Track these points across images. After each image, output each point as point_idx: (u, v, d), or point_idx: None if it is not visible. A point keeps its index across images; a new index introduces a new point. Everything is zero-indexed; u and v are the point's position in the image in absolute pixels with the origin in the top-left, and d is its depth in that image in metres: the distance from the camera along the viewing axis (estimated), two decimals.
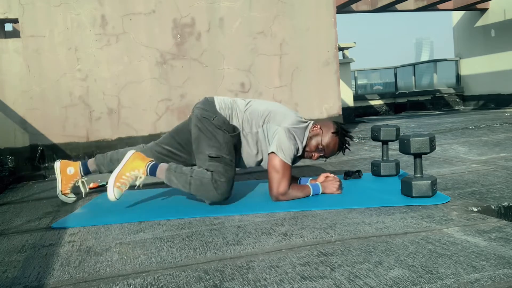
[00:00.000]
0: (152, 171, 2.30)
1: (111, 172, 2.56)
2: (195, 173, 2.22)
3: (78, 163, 2.63)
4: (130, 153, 2.34)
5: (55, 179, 2.62)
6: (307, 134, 2.30)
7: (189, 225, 1.95)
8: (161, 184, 2.98)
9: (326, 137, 2.32)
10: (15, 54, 3.98)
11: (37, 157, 4.04)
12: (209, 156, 2.21)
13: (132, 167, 2.30)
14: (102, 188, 3.08)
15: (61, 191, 2.59)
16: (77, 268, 1.51)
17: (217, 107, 2.30)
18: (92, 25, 4.15)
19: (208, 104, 2.34)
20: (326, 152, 2.34)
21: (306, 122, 2.35)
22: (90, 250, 1.70)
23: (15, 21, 4.08)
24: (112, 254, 1.63)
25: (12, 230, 2.12)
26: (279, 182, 2.18)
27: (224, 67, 4.49)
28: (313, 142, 2.31)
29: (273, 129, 2.24)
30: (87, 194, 2.73)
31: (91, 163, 2.63)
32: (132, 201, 2.55)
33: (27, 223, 2.23)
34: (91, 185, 3.09)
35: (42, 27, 4.04)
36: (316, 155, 2.33)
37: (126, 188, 2.31)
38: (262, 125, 2.28)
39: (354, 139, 2.38)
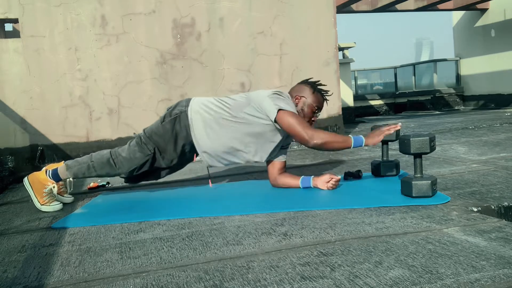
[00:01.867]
0: (55, 176, 2.46)
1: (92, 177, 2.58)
2: (94, 156, 2.44)
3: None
4: (25, 180, 2.47)
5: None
6: (293, 104, 2.37)
7: (189, 225, 1.95)
8: (161, 184, 2.99)
9: (311, 99, 2.40)
10: (15, 54, 3.98)
11: (37, 157, 4.04)
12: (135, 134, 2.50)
13: (40, 186, 2.44)
14: (102, 188, 3.08)
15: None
16: (77, 268, 1.51)
17: (190, 103, 2.40)
18: (92, 25, 4.15)
19: (179, 102, 2.47)
20: (319, 109, 2.44)
21: (282, 93, 2.40)
22: (90, 250, 1.70)
23: (15, 21, 4.08)
24: (112, 254, 1.63)
25: (12, 230, 2.12)
26: (303, 130, 2.21)
27: (224, 67, 4.49)
28: (307, 109, 2.39)
29: (261, 101, 2.28)
30: (81, 195, 2.72)
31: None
32: (132, 201, 2.56)
33: (27, 223, 2.23)
34: (91, 185, 3.09)
35: (42, 27, 4.04)
36: (315, 118, 2.44)
37: (55, 198, 2.48)
38: (248, 106, 2.31)
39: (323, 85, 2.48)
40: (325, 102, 2.48)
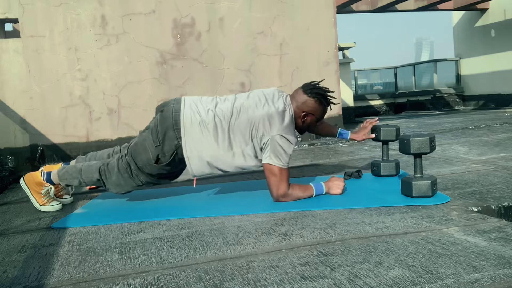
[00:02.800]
0: (49, 179, 2.44)
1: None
2: (84, 174, 2.38)
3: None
4: (21, 181, 2.45)
5: None
6: (292, 119, 2.24)
7: (189, 225, 1.95)
8: (161, 184, 2.98)
9: (319, 113, 2.31)
10: (15, 54, 3.98)
11: (37, 157, 4.04)
12: (125, 154, 2.33)
13: (37, 188, 2.43)
14: (102, 188, 3.07)
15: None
16: (77, 268, 1.51)
17: (181, 125, 2.18)
18: (92, 25, 4.15)
19: (167, 120, 2.20)
20: (316, 116, 2.32)
21: (284, 109, 2.22)
22: (90, 250, 1.70)
23: (15, 21, 4.08)
24: (112, 254, 1.63)
25: (12, 230, 2.12)
26: (277, 185, 2.17)
27: (224, 67, 4.49)
28: (309, 120, 2.31)
29: (264, 140, 2.17)
30: (81, 195, 2.72)
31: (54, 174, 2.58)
32: (132, 201, 2.55)
33: (27, 223, 2.23)
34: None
35: (42, 27, 4.04)
36: (309, 124, 2.35)
37: (53, 199, 2.47)
38: (252, 140, 2.19)
39: (329, 91, 2.36)
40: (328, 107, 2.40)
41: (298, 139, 4.58)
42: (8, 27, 4.69)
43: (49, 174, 2.44)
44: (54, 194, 2.51)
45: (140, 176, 2.30)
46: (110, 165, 2.34)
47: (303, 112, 2.27)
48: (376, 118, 2.72)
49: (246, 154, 2.21)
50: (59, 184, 2.46)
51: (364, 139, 2.68)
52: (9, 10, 3.97)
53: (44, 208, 2.44)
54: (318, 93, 2.28)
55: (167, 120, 2.21)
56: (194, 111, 2.22)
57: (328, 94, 2.32)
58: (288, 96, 2.32)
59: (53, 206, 2.45)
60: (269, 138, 2.16)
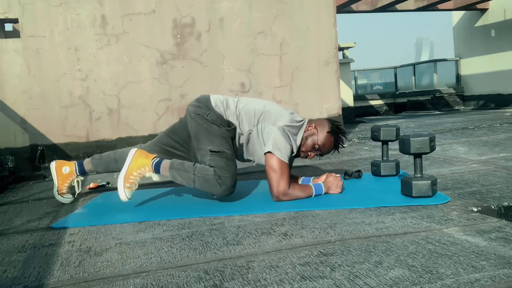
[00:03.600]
0: (157, 168, 2.30)
1: (108, 172, 2.58)
2: (198, 170, 2.23)
3: (74, 163, 2.63)
4: (133, 151, 2.32)
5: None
6: (301, 133, 2.32)
7: (189, 225, 1.95)
8: (161, 184, 2.98)
9: (322, 136, 2.31)
10: (15, 54, 3.98)
11: (37, 157, 4.04)
12: (210, 151, 2.22)
13: (138, 166, 2.29)
14: (102, 188, 3.08)
15: (57, 191, 2.58)
16: (77, 268, 1.51)
17: (212, 104, 2.32)
18: (92, 25, 4.15)
19: (201, 101, 2.35)
20: (322, 151, 2.34)
21: (301, 120, 2.36)
22: (90, 250, 1.70)
23: (15, 21, 4.08)
24: (112, 254, 1.63)
25: (12, 230, 2.12)
26: (278, 181, 2.18)
27: (224, 67, 4.49)
28: (309, 141, 2.32)
29: (267, 129, 2.25)
30: (81, 194, 2.73)
31: (87, 162, 2.64)
32: (132, 201, 2.55)
33: (27, 223, 2.23)
34: (91, 185, 3.09)
35: (42, 27, 4.04)
36: (312, 154, 2.34)
37: (136, 187, 2.33)
38: (257, 125, 2.29)
39: (349, 139, 2.39)
40: (332, 152, 2.38)
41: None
42: (8, 27, 4.69)
43: (158, 163, 2.30)
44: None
45: (233, 154, 2.28)
46: (217, 168, 2.22)
47: (314, 143, 2.31)
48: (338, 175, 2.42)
49: (250, 136, 2.29)
50: (168, 172, 2.30)
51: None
52: (9, 10, 3.97)
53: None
54: (338, 134, 2.34)
55: (200, 99, 2.38)
56: (220, 96, 2.41)
57: (344, 135, 2.39)
58: (308, 120, 2.39)
59: (66, 199, 2.60)
60: (272, 128, 2.22)
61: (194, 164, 2.28)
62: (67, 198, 2.60)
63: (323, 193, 2.30)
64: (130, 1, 4.23)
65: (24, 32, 4.00)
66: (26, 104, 4.01)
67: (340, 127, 2.38)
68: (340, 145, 2.38)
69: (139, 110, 4.28)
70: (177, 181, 2.30)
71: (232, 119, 2.32)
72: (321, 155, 2.37)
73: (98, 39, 4.16)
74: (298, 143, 2.30)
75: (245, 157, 2.41)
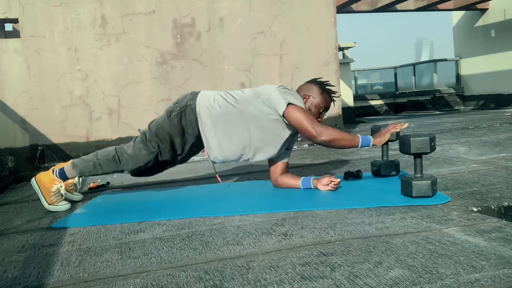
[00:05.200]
0: (61, 174, 2.45)
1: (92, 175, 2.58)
2: (99, 154, 2.43)
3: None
4: (33, 180, 2.46)
5: None
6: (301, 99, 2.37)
7: (189, 225, 1.95)
8: (161, 184, 2.99)
9: (319, 99, 2.39)
10: (15, 54, 3.98)
11: (37, 157, 4.04)
12: (140, 131, 2.45)
13: (47, 185, 2.43)
14: (102, 188, 3.08)
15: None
16: (77, 268, 1.51)
17: (198, 96, 2.38)
18: (92, 25, 4.15)
19: (186, 95, 2.44)
20: (326, 109, 2.44)
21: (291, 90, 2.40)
22: (90, 250, 1.70)
23: (15, 21, 4.08)
24: (112, 254, 1.63)
25: (12, 230, 2.12)
26: (311, 124, 2.21)
27: (224, 67, 4.49)
28: (314, 109, 2.38)
29: (271, 95, 2.28)
30: (86, 195, 2.73)
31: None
32: (132, 201, 2.56)
33: (27, 223, 2.23)
34: (91, 185, 3.09)
35: (42, 27, 4.04)
36: (320, 118, 2.42)
37: (63, 198, 2.47)
38: (256, 100, 2.31)
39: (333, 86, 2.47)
40: (332, 103, 2.48)
41: (298, 139, 4.58)
42: (8, 27, 4.69)
43: (62, 168, 2.46)
44: (66, 190, 2.54)
45: (152, 141, 2.36)
46: (127, 144, 2.45)
47: (306, 96, 2.39)
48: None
49: (255, 110, 2.30)
50: (74, 177, 2.48)
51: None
52: (9, 10, 3.97)
53: (52, 208, 2.43)
54: (320, 82, 2.44)
55: (185, 95, 2.45)
56: (210, 92, 2.44)
57: (332, 89, 2.46)
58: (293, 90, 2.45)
59: (61, 206, 2.45)
60: (275, 91, 2.29)
61: (96, 152, 2.47)
62: (63, 205, 2.47)
63: (370, 145, 2.30)
64: (130, 1, 4.23)
65: (24, 32, 4.00)
66: (26, 104, 4.01)
67: (322, 81, 2.46)
68: (333, 97, 2.46)
69: (139, 110, 4.28)
70: (85, 174, 2.45)
71: (224, 104, 2.34)
72: (325, 110, 2.46)
73: (98, 39, 4.16)
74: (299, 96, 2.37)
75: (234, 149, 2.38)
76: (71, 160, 2.50)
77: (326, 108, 2.43)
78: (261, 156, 2.40)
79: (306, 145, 4.63)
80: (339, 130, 2.31)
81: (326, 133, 2.21)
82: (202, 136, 2.34)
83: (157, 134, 2.37)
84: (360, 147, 2.28)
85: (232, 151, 2.36)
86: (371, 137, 2.32)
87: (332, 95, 2.45)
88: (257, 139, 2.34)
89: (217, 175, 2.55)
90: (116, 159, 2.40)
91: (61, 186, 2.46)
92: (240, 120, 2.31)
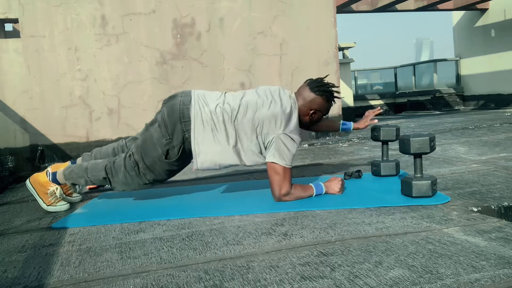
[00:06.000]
0: (55, 180, 2.44)
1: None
2: (89, 172, 2.36)
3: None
4: (27, 182, 2.46)
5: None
6: (297, 119, 2.25)
7: (189, 225, 1.95)
8: (161, 184, 2.98)
9: (324, 109, 2.32)
10: (15, 54, 3.98)
11: (37, 157, 4.04)
12: (131, 152, 2.30)
13: (42, 188, 2.43)
14: (102, 188, 3.08)
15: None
16: (77, 268, 1.51)
17: (192, 121, 2.17)
18: (92, 25, 4.15)
19: (175, 114, 2.19)
20: (322, 112, 2.35)
21: (290, 104, 2.24)
22: (90, 250, 1.70)
23: (15, 21, 4.08)
24: (112, 254, 1.63)
25: (12, 230, 2.12)
26: (280, 184, 2.17)
27: (224, 67, 4.49)
28: (316, 117, 2.33)
29: (269, 138, 2.18)
30: (80, 195, 2.70)
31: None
32: (132, 201, 2.55)
33: (27, 223, 2.23)
34: (91, 185, 3.09)
35: (42, 27, 4.04)
36: (316, 120, 2.37)
37: (60, 198, 2.45)
38: (257, 137, 2.20)
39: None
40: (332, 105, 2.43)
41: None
42: (8, 27, 4.69)
43: (54, 174, 2.43)
44: (64, 193, 2.51)
45: (147, 174, 2.27)
46: (117, 163, 2.31)
47: (310, 110, 2.30)
48: (379, 107, 2.68)
49: (250, 150, 2.22)
50: (66, 183, 2.46)
51: (366, 126, 2.62)
52: (9, 10, 3.96)
53: (51, 209, 2.42)
54: (325, 91, 2.30)
55: (175, 113, 2.18)
56: (203, 105, 2.21)
57: (334, 90, 2.35)
58: (293, 94, 2.34)
59: (60, 206, 2.43)
60: (274, 136, 2.17)
61: (86, 166, 2.38)
62: (62, 205, 2.47)
63: (323, 192, 2.30)
64: (130, 1, 4.23)
65: (24, 32, 4.00)
66: (26, 104, 4.01)
67: (320, 83, 2.31)
68: (333, 99, 2.34)
69: (139, 110, 4.28)
70: (75, 180, 2.41)
71: (224, 135, 2.19)
72: (325, 115, 2.40)
73: (98, 39, 4.16)
74: (297, 123, 2.26)
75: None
76: (62, 171, 2.42)
77: (323, 112, 2.36)
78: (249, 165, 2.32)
79: (306, 145, 4.63)
80: (301, 189, 2.24)
81: (287, 198, 2.19)
82: (195, 158, 2.22)
83: (153, 170, 2.25)
84: (316, 195, 2.28)
85: (220, 166, 2.26)
86: (322, 185, 2.30)
87: (335, 97, 2.35)
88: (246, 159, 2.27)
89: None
90: (107, 180, 2.33)
91: (56, 189, 2.43)
92: (231, 151, 2.22)
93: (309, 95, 2.29)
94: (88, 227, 2.05)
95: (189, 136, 2.18)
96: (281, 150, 2.16)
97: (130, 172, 2.28)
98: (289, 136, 2.19)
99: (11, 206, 2.74)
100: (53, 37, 4.06)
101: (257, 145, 2.21)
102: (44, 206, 2.43)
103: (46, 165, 4.03)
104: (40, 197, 2.43)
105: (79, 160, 2.61)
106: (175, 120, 2.18)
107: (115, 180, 2.32)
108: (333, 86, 2.34)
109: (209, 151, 2.19)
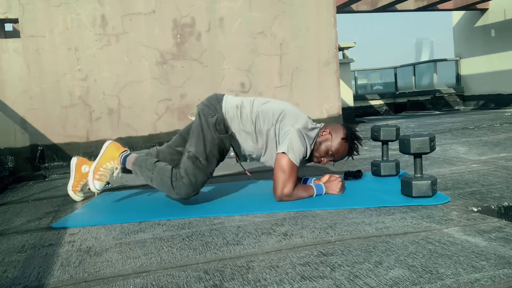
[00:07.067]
0: (124, 161, 2.43)
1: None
2: (157, 170, 2.27)
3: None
4: (107, 143, 2.48)
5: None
6: (315, 138, 2.30)
7: (189, 225, 1.95)
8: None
9: (336, 142, 2.30)
10: (15, 54, 3.98)
11: (37, 157, 4.04)
12: (187, 152, 2.26)
13: (107, 159, 2.45)
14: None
15: (72, 187, 2.61)
16: (77, 268, 1.51)
17: (223, 105, 2.29)
18: (92, 25, 4.15)
19: (212, 100, 2.33)
20: (335, 157, 2.33)
21: (316, 125, 2.35)
22: (90, 250, 1.70)
23: (15, 21, 4.08)
24: (112, 254, 1.63)
25: (12, 230, 2.12)
26: (284, 183, 2.17)
27: (224, 67, 4.49)
28: (323, 147, 2.31)
29: (285, 129, 2.22)
30: (98, 194, 2.72)
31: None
32: (132, 201, 2.56)
33: (27, 223, 2.23)
34: None
35: (42, 27, 4.04)
36: (325, 160, 2.33)
37: (107, 179, 2.48)
38: (275, 124, 2.26)
39: (363, 143, 2.37)
40: (346, 158, 2.39)
41: None
42: (8, 27, 4.69)
43: (127, 155, 2.47)
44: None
45: (209, 165, 2.26)
46: (180, 170, 2.24)
47: (329, 151, 2.31)
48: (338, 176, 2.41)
49: (268, 134, 2.26)
50: (130, 168, 2.41)
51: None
52: (9, 10, 3.96)
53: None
54: (354, 143, 2.32)
55: (211, 97, 2.35)
56: (233, 97, 2.37)
57: (358, 149, 2.37)
58: (324, 125, 2.38)
59: (77, 196, 2.62)
60: (290, 128, 2.20)
61: (155, 162, 2.32)
62: (79, 196, 2.63)
63: (323, 193, 2.30)
64: (130, 1, 4.23)
65: (24, 32, 4.00)
66: (26, 104, 4.01)
67: (355, 133, 2.35)
68: (354, 152, 2.36)
69: (139, 110, 4.28)
70: (139, 177, 2.38)
71: (247, 120, 2.27)
72: (335, 161, 2.36)
73: (98, 39, 4.16)
74: (312, 147, 2.29)
75: (255, 156, 2.36)
76: (136, 156, 2.43)
77: (335, 157, 2.32)
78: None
79: None
80: (302, 190, 2.25)
81: (288, 198, 2.19)
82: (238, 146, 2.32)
83: (213, 155, 2.26)
84: (316, 195, 2.28)
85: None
86: (322, 185, 2.30)
87: (354, 153, 2.35)
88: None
89: (246, 171, 2.52)
90: (169, 182, 2.22)
91: (116, 169, 2.47)
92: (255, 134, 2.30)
93: (338, 126, 2.35)
94: (88, 227, 2.05)
95: (224, 116, 2.27)
96: (294, 145, 2.18)
97: (193, 170, 2.22)
98: (304, 137, 2.23)
99: (11, 206, 2.74)
100: (53, 37, 4.06)
101: (274, 132, 2.25)
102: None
103: (46, 165, 4.03)
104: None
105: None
106: (213, 100, 2.32)
107: (179, 184, 2.20)
108: (360, 141, 2.37)
109: (237, 130, 2.29)
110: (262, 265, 1.41)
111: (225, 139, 2.28)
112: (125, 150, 2.48)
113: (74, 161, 2.61)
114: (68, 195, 2.65)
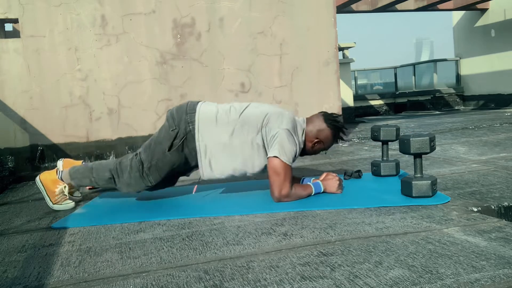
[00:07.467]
0: (61, 176, 2.46)
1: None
2: (95, 172, 2.38)
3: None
4: (37, 179, 2.47)
5: None
6: (303, 132, 2.33)
7: (189, 225, 1.95)
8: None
9: (321, 132, 2.34)
10: (15, 54, 3.98)
11: (37, 157, 4.04)
12: (138, 153, 2.33)
13: (51, 186, 2.44)
14: (102, 188, 3.07)
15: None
16: (77, 268, 1.51)
17: (196, 115, 2.23)
18: (92, 25, 4.15)
19: (181, 110, 2.28)
20: (325, 146, 2.38)
21: (299, 120, 2.37)
22: (90, 250, 1.70)
23: (15, 21, 4.08)
24: (112, 254, 1.63)
25: (12, 230, 2.12)
26: (280, 185, 2.17)
27: (224, 67, 4.49)
28: (317, 148, 2.36)
29: (273, 132, 2.19)
30: (86, 195, 2.73)
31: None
32: (132, 201, 2.56)
33: (27, 223, 2.23)
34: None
35: (42, 27, 4.04)
36: (317, 150, 2.38)
37: (67, 197, 2.47)
38: (261, 129, 2.21)
39: (349, 139, 2.40)
40: (335, 142, 2.45)
41: None
42: (8, 27, 4.68)
43: (62, 173, 2.47)
44: (69, 192, 2.54)
45: (150, 176, 2.28)
46: (123, 163, 2.34)
47: (316, 138, 2.34)
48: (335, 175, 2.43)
49: (255, 143, 2.23)
50: (70, 183, 2.46)
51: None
52: (9, 10, 3.96)
53: (57, 207, 2.46)
54: (336, 126, 2.35)
55: (182, 106, 2.31)
56: (211, 104, 2.34)
57: (344, 130, 2.39)
58: (305, 118, 2.39)
59: (66, 205, 2.48)
60: (278, 130, 2.18)
61: (91, 167, 2.40)
62: (72, 200, 2.53)
63: (321, 191, 2.30)
64: (130, 1, 4.23)
65: (24, 32, 4.00)
66: (26, 104, 4.01)
67: (335, 118, 2.38)
68: (341, 135, 2.40)
69: (139, 110, 4.28)
70: (84, 185, 2.46)
71: (223, 131, 2.22)
72: (325, 149, 2.40)
73: (98, 39, 4.16)
74: (303, 143, 2.32)
75: (224, 170, 2.28)
76: (68, 169, 2.45)
77: (324, 144, 2.36)
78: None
79: None
80: (301, 189, 2.25)
81: (287, 199, 2.19)
82: (200, 164, 2.27)
83: (157, 168, 2.26)
84: (314, 194, 2.30)
85: (227, 175, 2.31)
86: (320, 183, 2.32)
87: (341, 137, 2.40)
88: (251, 164, 2.28)
89: (195, 186, 2.58)
90: (112, 181, 2.35)
91: (64, 187, 2.46)
92: (236, 151, 2.24)
93: (321, 124, 2.35)
94: (88, 227, 2.05)
95: (193, 128, 2.23)
96: (284, 145, 2.17)
97: (135, 173, 2.29)
98: (292, 136, 2.21)
99: (11, 206, 2.74)
100: (53, 37, 4.06)
101: (261, 138, 2.22)
102: (50, 204, 2.46)
103: (46, 165, 4.03)
104: (47, 195, 2.46)
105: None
106: (181, 112, 2.27)
107: (120, 181, 2.32)
108: (345, 127, 2.40)
109: (210, 145, 2.24)
110: (262, 265, 1.41)
111: (180, 155, 2.26)
112: (57, 169, 2.48)
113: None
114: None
